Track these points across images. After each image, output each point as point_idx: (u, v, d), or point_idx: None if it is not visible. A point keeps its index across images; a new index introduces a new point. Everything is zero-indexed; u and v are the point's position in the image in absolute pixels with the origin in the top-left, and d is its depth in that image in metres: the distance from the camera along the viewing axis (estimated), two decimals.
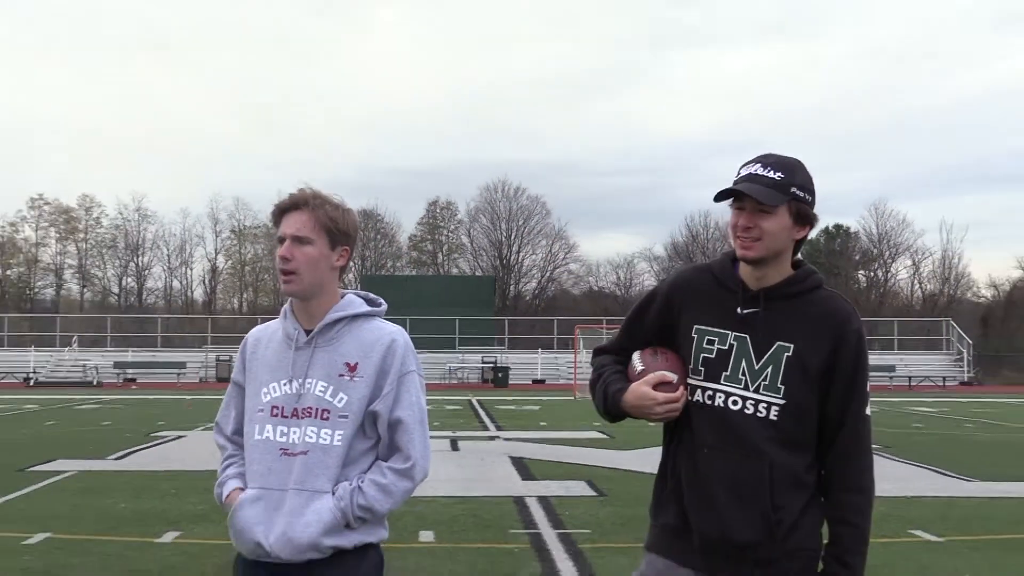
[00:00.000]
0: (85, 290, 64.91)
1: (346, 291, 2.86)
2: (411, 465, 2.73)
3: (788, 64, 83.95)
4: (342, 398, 2.71)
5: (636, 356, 2.76)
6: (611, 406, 2.76)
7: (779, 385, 2.61)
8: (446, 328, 45.01)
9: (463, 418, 22.08)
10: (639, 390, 2.67)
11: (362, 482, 2.70)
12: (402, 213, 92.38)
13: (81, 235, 64.16)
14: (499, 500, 10.09)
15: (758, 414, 2.61)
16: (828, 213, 62.09)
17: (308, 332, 2.77)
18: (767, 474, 2.58)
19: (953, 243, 62.71)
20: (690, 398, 2.69)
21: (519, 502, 10.02)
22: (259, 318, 51.13)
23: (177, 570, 6.98)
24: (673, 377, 2.67)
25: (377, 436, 2.77)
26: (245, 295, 66.65)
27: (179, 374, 43.30)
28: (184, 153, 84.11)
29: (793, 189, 2.60)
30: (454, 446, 15.52)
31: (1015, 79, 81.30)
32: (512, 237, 65.55)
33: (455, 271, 64.96)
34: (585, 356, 36.10)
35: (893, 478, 11.83)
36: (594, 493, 10.77)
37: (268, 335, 2.87)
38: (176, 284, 65.96)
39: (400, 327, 2.84)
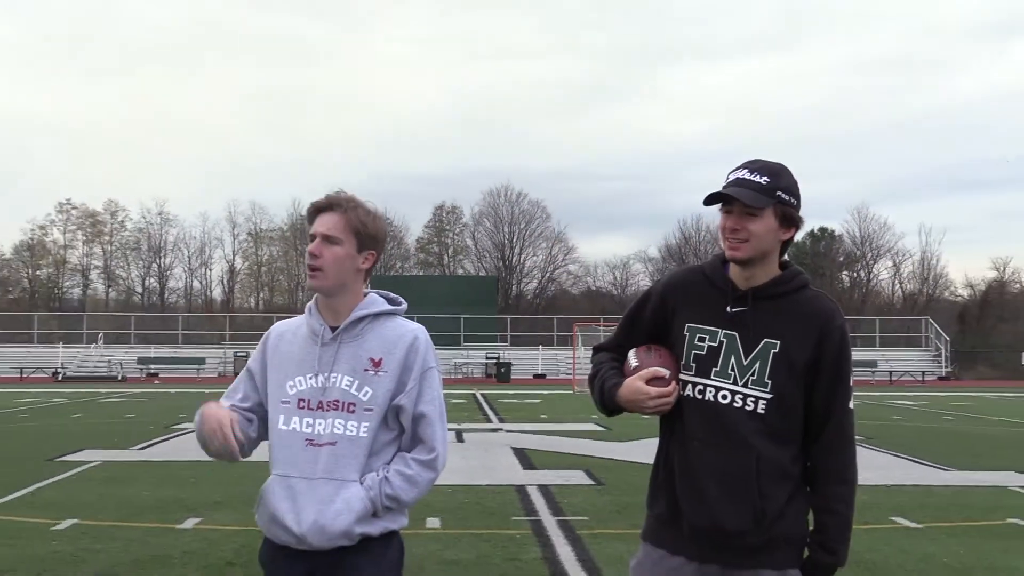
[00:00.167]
0: (110, 290, 64.95)
1: (368, 291, 2.85)
2: (434, 456, 2.74)
3: (775, 76, 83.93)
4: (367, 392, 2.70)
5: (631, 353, 2.76)
6: (607, 400, 2.76)
7: (766, 380, 2.60)
8: (451, 326, 45.00)
9: (468, 411, 22.08)
10: (633, 385, 2.67)
11: (388, 473, 2.70)
12: (410, 217, 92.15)
13: (107, 238, 64.22)
14: (502, 489, 10.09)
15: (746, 408, 2.61)
16: (813, 217, 62.15)
17: (333, 329, 2.76)
18: (754, 466, 2.58)
19: (931, 245, 62.82)
20: (682, 393, 2.68)
21: (521, 491, 10.02)
22: (275, 316, 51.10)
23: (196, 555, 6.98)
24: (665, 373, 2.66)
25: (399, 428, 2.76)
26: (261, 294, 66.65)
27: (199, 369, 43.36)
28: (204, 160, 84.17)
29: (778, 193, 2.60)
30: (459, 438, 15.52)
31: (990, 89, 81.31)
32: (514, 240, 65.58)
33: (460, 272, 64.94)
34: (583, 352, 36.13)
35: (875, 468, 11.83)
36: (592, 482, 10.76)
37: (292, 330, 2.85)
38: (196, 284, 66.07)
39: (421, 325, 2.84)
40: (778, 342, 2.61)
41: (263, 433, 2.85)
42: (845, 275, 63.88)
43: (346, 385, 2.71)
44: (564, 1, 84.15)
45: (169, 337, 49.71)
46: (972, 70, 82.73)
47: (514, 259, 65.67)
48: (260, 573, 6.74)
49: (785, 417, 2.61)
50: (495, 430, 17.29)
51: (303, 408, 2.72)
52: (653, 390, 2.64)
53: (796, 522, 2.63)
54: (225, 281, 65.87)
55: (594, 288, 65.87)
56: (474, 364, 43.54)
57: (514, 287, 65.15)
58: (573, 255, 66.29)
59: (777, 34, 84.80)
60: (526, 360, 45.31)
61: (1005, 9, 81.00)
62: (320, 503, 2.64)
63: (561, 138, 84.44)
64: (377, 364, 2.72)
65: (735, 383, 2.62)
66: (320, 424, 2.70)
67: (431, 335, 2.83)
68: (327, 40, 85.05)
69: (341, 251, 2.72)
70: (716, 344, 2.66)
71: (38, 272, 62.99)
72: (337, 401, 2.70)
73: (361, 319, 2.76)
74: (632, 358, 2.74)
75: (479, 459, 12.60)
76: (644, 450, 12.15)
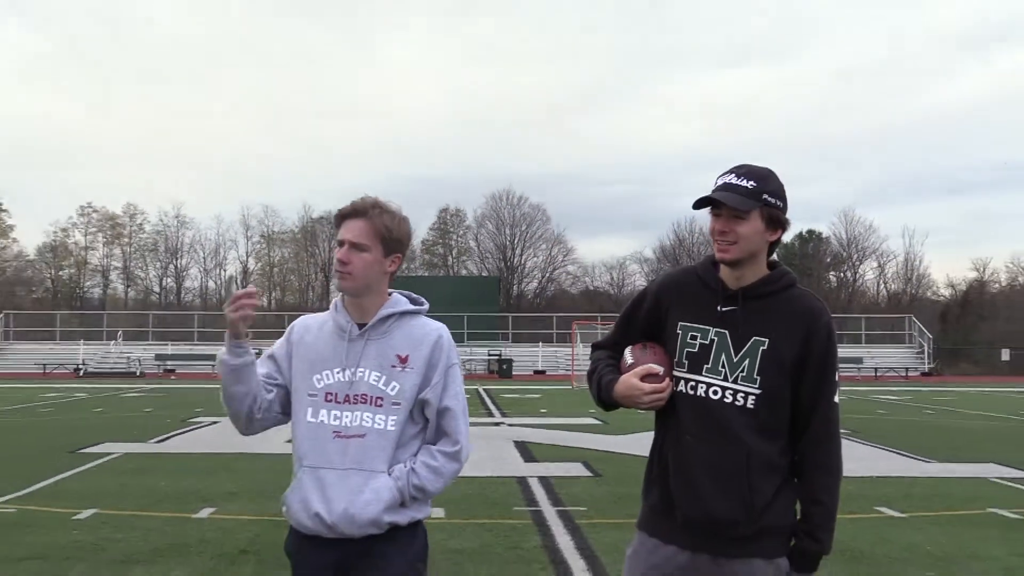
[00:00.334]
0: (129, 289, 65.05)
1: (392, 290, 2.85)
2: (459, 449, 2.74)
3: (766, 84, 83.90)
4: (395, 386, 2.70)
5: (628, 351, 2.76)
6: (604, 396, 2.76)
7: (755, 376, 2.60)
8: (455, 324, 44.94)
9: (471, 406, 21.91)
10: (628, 381, 2.67)
11: (415, 464, 2.69)
12: (415, 219, 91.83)
13: (126, 240, 64.31)
14: (504, 480, 10.09)
15: (736, 403, 2.60)
16: (801, 219, 62.18)
17: (360, 326, 2.76)
18: (744, 459, 2.58)
19: (915, 247, 62.87)
20: (675, 389, 2.68)
21: (522, 482, 10.02)
22: (286, 315, 51.19)
23: (212, 543, 6.98)
24: (659, 369, 2.66)
25: (424, 421, 2.76)
26: (273, 294, 66.66)
27: (214, 365, 43.25)
28: (218, 165, 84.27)
29: (765, 196, 2.59)
30: None
31: (973, 99, 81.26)
32: (515, 241, 65.60)
33: (464, 272, 64.93)
34: (582, 349, 36.12)
35: (860, 460, 11.82)
36: (590, 474, 10.76)
37: (317, 325, 2.84)
38: (211, 284, 66.14)
39: (443, 324, 2.84)
40: (767, 340, 2.60)
41: (279, 412, 2.82)
42: (832, 275, 63.85)
43: (374, 380, 2.70)
44: (563, 10, 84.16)
45: (185, 335, 49.73)
46: (955, 80, 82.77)
47: (515, 260, 65.71)
48: (273, 561, 6.76)
49: (773, 412, 2.60)
50: (497, 424, 17.29)
51: (330, 401, 2.71)
52: (647, 386, 2.64)
53: (784, 513, 2.62)
54: (239, 281, 65.89)
55: (592, 288, 65.87)
56: (477, 361, 43.52)
57: (515, 287, 65.13)
58: (572, 256, 66.45)
59: (769, 44, 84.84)
60: (527, 357, 45.33)
61: (985, 22, 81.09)
62: (350, 493, 2.63)
63: (561, 144, 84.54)
64: (404, 360, 2.72)
65: (725, 379, 2.62)
66: (347, 417, 2.69)
67: None
68: (336, 51, 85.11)
69: (369, 257, 2.71)
70: (707, 342, 2.65)
71: (60, 272, 63.07)
72: (365, 395, 2.70)
73: (388, 317, 2.75)
74: (628, 355, 2.74)
75: (482, 452, 12.59)
76: (640, 443, 12.14)
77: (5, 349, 46.44)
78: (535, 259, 66.15)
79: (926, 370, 45.20)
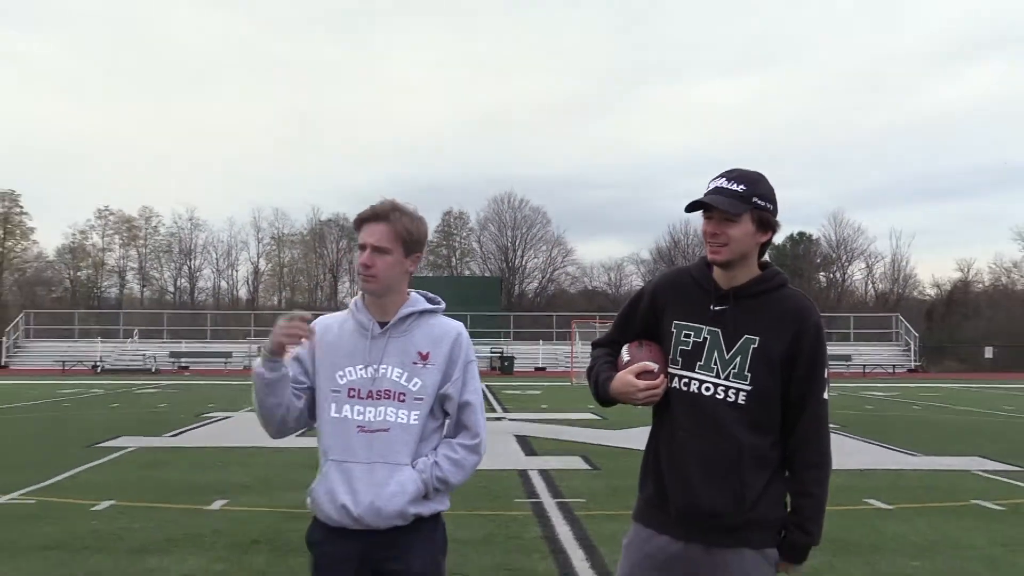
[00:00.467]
0: (145, 289, 65.04)
1: (411, 290, 2.84)
2: (478, 442, 2.75)
3: (759, 92, 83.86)
4: (416, 383, 2.69)
5: (625, 348, 2.76)
6: (601, 392, 2.76)
7: (746, 373, 2.59)
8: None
9: None
10: (623, 378, 2.67)
11: (438, 457, 2.69)
12: None
13: (141, 241, 64.30)
14: (506, 473, 10.09)
15: (728, 399, 2.60)
16: (793, 222, 62.15)
17: (381, 324, 2.74)
18: (735, 453, 2.57)
19: (902, 248, 62.74)
20: (670, 385, 2.68)
21: (523, 475, 10.02)
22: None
23: (224, 534, 6.99)
24: (654, 367, 2.66)
25: (443, 415, 2.76)
26: (283, 293, 66.63)
27: (226, 362, 43.34)
28: (230, 170, 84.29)
29: (755, 199, 2.58)
30: None
31: (955, 107, 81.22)
32: (517, 243, 65.56)
33: (467, 272, 64.87)
34: (580, 347, 36.09)
35: (849, 453, 11.82)
36: (588, 467, 10.76)
37: (337, 323, 2.82)
38: (223, 284, 66.12)
39: (459, 322, 2.83)
40: (757, 338, 2.60)
41: (308, 417, 2.80)
42: (822, 276, 63.78)
43: (396, 376, 2.69)
44: (562, 20, 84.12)
45: (198, 333, 49.73)
46: (939, 88, 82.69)
47: (517, 261, 65.66)
48: (284, 550, 6.77)
49: (764, 408, 2.60)
50: (499, 419, 17.28)
51: (353, 397, 2.70)
52: (642, 383, 2.64)
53: (774, 505, 2.62)
54: (250, 281, 65.98)
55: (590, 288, 65.81)
56: (479, 358, 43.30)
57: (517, 287, 65.07)
58: (571, 257, 66.41)
59: (760, 54, 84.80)
60: (528, 354, 45.30)
61: (966, 35, 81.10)
62: (376, 486, 2.62)
63: (560, 149, 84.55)
64: (425, 357, 2.71)
65: (718, 376, 2.61)
66: (371, 412, 2.68)
67: None
68: (343, 60, 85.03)
69: (391, 259, 2.69)
70: (700, 340, 2.65)
71: (79, 273, 63.07)
72: (388, 391, 2.69)
73: (408, 316, 2.74)
74: (625, 353, 2.74)
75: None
76: (637, 438, 12.15)
77: (26, 347, 46.47)
78: (536, 260, 66.20)
79: (912, 367, 45.17)
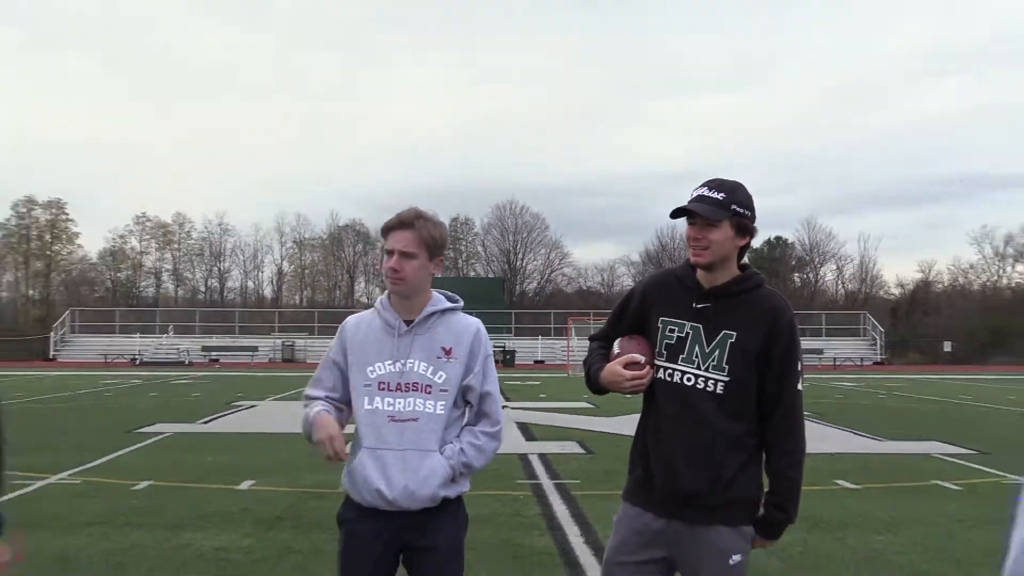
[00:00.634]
0: (178, 289, 64.95)
1: (433, 289, 2.83)
2: (498, 429, 2.76)
3: (738, 107, 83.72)
4: (441, 375, 2.69)
5: (616, 342, 2.76)
6: (593, 381, 2.77)
7: (724, 365, 2.59)
8: None
9: None
10: (612, 368, 2.68)
11: (463, 444, 2.70)
12: None
13: (175, 245, 64.21)
14: (507, 457, 10.08)
15: (707, 389, 2.60)
16: (769, 227, 62.13)
17: (407, 323, 2.74)
18: (713, 439, 2.57)
19: (869, 251, 62.62)
20: (656, 376, 2.68)
21: (523, 459, 10.02)
22: (316, 311, 51.24)
23: (251, 511, 7.00)
24: (640, 358, 2.66)
25: (465, 405, 2.76)
26: (305, 292, 66.58)
27: (252, 355, 43.38)
28: (257, 178, 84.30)
29: (734, 207, 2.58)
30: None
31: (921, 119, 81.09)
32: (518, 247, 65.45)
33: (472, 274, 64.77)
34: (576, 342, 36.09)
35: (822, 439, 11.82)
36: (583, 451, 10.76)
37: (366, 322, 2.80)
38: (250, 284, 66.00)
39: (477, 319, 2.83)
40: (735, 333, 2.60)
41: (347, 415, 2.78)
42: (796, 276, 63.61)
43: (422, 370, 2.69)
44: (560, 41, 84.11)
45: (227, 328, 49.70)
46: (906, 103, 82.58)
47: (518, 263, 65.56)
48: (305, 526, 6.79)
49: (740, 397, 2.59)
50: (502, 407, 17.26)
51: (383, 389, 2.68)
52: (628, 373, 2.64)
53: (749, 486, 2.62)
54: (274, 281, 65.87)
55: (585, 287, 65.66)
56: None
57: (518, 287, 64.97)
58: (567, 260, 66.21)
59: (741, 71, 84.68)
60: (528, 348, 45.27)
61: (930, 54, 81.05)
62: (409, 471, 2.62)
63: (559, 160, 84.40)
64: (448, 352, 2.71)
65: (698, 368, 2.62)
66: (400, 403, 2.67)
67: None
68: (358, 77, 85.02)
69: (417, 263, 2.69)
70: (683, 334, 2.65)
71: (119, 274, 63.01)
72: (416, 383, 2.68)
73: (432, 314, 2.74)
74: (616, 346, 2.74)
75: None
76: (627, 424, 12.15)
77: (72, 341, 46.49)
78: (535, 262, 66.01)
79: (878, 360, 45.14)
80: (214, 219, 64.28)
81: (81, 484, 8.20)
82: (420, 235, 2.68)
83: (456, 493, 2.72)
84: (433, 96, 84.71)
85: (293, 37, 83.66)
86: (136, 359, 42.34)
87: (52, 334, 45.48)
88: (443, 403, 2.68)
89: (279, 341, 45.53)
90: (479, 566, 5.34)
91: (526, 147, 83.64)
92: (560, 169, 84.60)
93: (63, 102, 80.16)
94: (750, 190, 2.66)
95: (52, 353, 44.31)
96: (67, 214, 60.88)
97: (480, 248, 66.88)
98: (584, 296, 62.12)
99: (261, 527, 6.44)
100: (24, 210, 59.60)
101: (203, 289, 64.87)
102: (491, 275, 63.30)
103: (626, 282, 61.90)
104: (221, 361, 42.92)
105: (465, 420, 2.79)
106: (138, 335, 46.83)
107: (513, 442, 11.52)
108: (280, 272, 65.52)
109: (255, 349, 44.25)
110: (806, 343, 40.77)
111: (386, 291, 2.81)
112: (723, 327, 2.61)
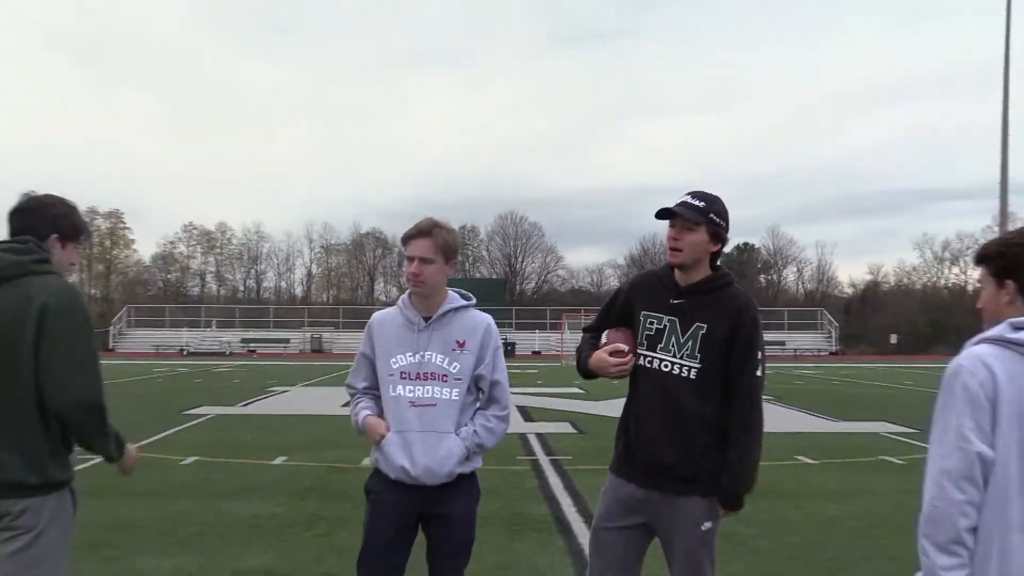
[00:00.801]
0: (220, 288, 64.84)
1: (448, 288, 2.83)
2: (507, 413, 2.77)
3: (713, 128, 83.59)
4: (456, 366, 2.69)
5: (605, 333, 2.77)
6: (582, 367, 2.78)
7: (696, 353, 2.59)
8: None
9: None
10: (600, 356, 2.68)
11: (476, 426, 2.70)
12: None
13: (218, 250, 64.14)
14: (509, 437, 9.99)
15: (682, 374, 2.60)
16: (738, 234, 61.95)
17: (425, 319, 2.74)
18: (685, 418, 2.57)
19: (826, 256, 62.89)
20: (638, 363, 2.68)
21: (522, 437, 10.00)
22: (340, 308, 51.22)
23: (284, 483, 7.01)
24: (624, 347, 2.66)
25: (477, 392, 2.77)
26: (331, 292, 66.50)
27: (285, 347, 43.38)
28: (289, 192, 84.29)
29: (711, 215, 2.59)
30: None
31: (869, 143, 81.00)
32: (518, 252, 65.37)
33: (477, 275, 64.60)
34: (569, 335, 36.05)
35: (783, 419, 11.80)
36: (576, 431, 10.76)
37: (389, 318, 2.80)
38: (283, 284, 65.90)
39: (488, 315, 2.83)
40: (705, 325, 2.60)
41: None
42: (762, 278, 63.51)
43: (439, 361, 2.69)
44: (554, 71, 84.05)
45: (263, 323, 49.74)
46: (859, 128, 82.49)
47: (518, 266, 65.51)
48: (332, 496, 6.77)
49: (710, 382, 2.59)
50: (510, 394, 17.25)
51: (405, 378, 2.69)
52: (612, 360, 2.65)
53: (715, 460, 2.58)
54: (304, 282, 65.76)
55: (577, 287, 65.55)
56: None
57: (518, 287, 64.89)
58: (561, 263, 66.12)
59: (715, 96, 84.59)
60: (527, 341, 45.29)
61: (880, 84, 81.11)
62: (429, 451, 2.63)
63: (553, 175, 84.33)
64: (462, 345, 2.71)
65: (674, 356, 2.62)
66: (420, 390, 2.68)
67: None
68: (379, 103, 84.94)
69: (434, 267, 2.69)
70: (662, 327, 2.65)
71: (169, 275, 62.98)
72: (433, 373, 2.68)
73: (448, 311, 2.75)
74: (604, 336, 2.75)
75: None
76: (614, 407, 12.11)
77: (128, 334, 46.50)
78: (533, 265, 65.91)
79: (833, 351, 45.13)
80: (252, 227, 64.38)
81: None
82: (437, 242, 2.69)
83: (470, 469, 2.72)
84: (444, 121, 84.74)
85: (323, 72, 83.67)
86: (184, 350, 42.35)
87: (111, 328, 45.48)
88: (458, 390, 2.69)
89: (308, 334, 45.56)
90: (485, 531, 5.29)
91: (525, 165, 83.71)
92: (555, 184, 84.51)
93: (117, 125, 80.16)
94: (726, 203, 2.66)
95: (111, 345, 44.29)
96: (124, 223, 60.91)
97: (485, 253, 66.85)
98: (576, 295, 62.07)
99: (293, 497, 6.44)
100: (88, 219, 59.40)
101: (242, 289, 64.83)
102: (494, 276, 63.26)
103: (613, 282, 61.86)
104: (258, 352, 42.93)
105: (477, 405, 2.79)
106: (185, 329, 46.86)
107: (513, 423, 11.48)
108: (309, 274, 65.53)
109: (287, 341, 44.26)
110: (770, 336, 40.79)
111: (407, 291, 2.82)
112: (696, 320, 2.62)
